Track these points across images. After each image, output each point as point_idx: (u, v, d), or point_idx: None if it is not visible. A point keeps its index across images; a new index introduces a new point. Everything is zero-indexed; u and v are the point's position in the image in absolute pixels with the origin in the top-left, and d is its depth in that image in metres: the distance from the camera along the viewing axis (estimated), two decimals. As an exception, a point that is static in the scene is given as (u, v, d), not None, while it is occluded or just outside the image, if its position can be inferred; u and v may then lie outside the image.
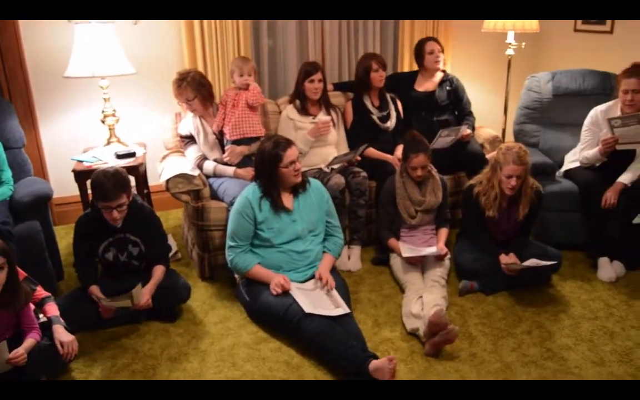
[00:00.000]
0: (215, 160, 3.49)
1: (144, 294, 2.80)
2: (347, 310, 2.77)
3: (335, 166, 3.59)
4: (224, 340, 2.88)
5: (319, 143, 3.67)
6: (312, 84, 3.64)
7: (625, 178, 3.45)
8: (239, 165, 3.46)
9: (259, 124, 3.53)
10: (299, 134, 3.63)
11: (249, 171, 3.38)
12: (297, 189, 3.06)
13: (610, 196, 3.40)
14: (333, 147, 3.75)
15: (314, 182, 3.16)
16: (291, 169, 2.93)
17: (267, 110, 3.91)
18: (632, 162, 3.52)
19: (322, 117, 3.69)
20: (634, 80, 3.42)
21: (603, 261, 3.46)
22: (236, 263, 2.98)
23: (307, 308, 2.68)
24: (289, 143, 2.97)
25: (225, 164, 3.47)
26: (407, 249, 3.25)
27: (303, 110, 3.71)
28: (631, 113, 3.42)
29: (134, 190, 2.96)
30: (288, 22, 4.44)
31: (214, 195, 3.41)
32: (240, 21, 4.12)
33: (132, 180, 3.60)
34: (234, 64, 3.53)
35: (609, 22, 4.49)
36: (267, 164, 2.94)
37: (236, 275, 3.12)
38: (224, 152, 3.48)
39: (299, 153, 3.56)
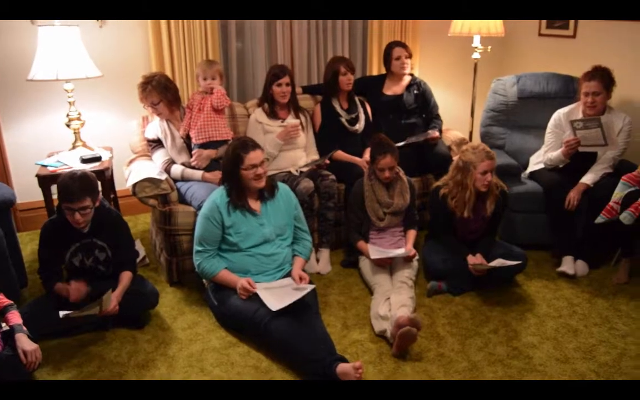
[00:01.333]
0: (183, 164, 3.46)
1: (111, 301, 2.76)
2: (312, 286, 2.88)
3: (305, 169, 3.60)
4: (192, 346, 2.85)
5: (288, 146, 3.67)
6: (280, 88, 3.64)
7: (587, 179, 3.54)
8: (207, 169, 3.44)
9: (226, 127, 3.51)
10: (268, 138, 3.63)
11: (216, 174, 3.36)
12: (264, 194, 3.04)
13: (573, 196, 3.48)
14: (302, 150, 3.76)
15: (283, 187, 3.15)
16: (251, 173, 2.90)
17: (236, 113, 3.89)
18: (594, 163, 3.61)
19: (291, 120, 3.69)
20: (594, 83, 3.51)
21: (566, 260, 3.53)
22: (203, 268, 2.96)
23: (274, 306, 2.68)
24: (254, 146, 2.94)
25: (193, 167, 3.44)
26: (375, 251, 3.27)
27: (272, 114, 3.70)
28: (592, 115, 3.51)
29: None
30: (256, 25, 4.43)
31: (182, 199, 3.38)
32: (208, 23, 4.10)
33: (98, 185, 3.56)
34: (199, 68, 3.52)
35: (572, 26, 4.59)
36: (230, 165, 2.94)
37: (204, 280, 3.10)
38: (191, 155, 3.45)
39: (267, 158, 3.58)
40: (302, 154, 3.75)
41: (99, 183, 3.50)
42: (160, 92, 3.38)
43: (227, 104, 3.49)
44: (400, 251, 3.26)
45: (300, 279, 2.94)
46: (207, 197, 3.11)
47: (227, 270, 2.96)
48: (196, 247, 2.99)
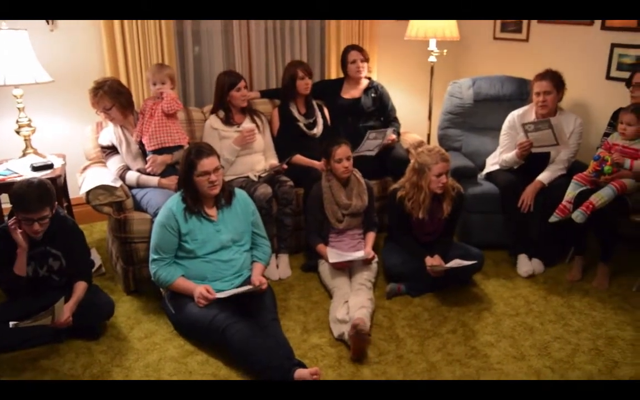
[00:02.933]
0: (138, 170, 3.40)
1: (64, 312, 2.68)
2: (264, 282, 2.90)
3: (263, 175, 3.58)
4: (149, 356, 2.80)
5: (245, 151, 3.64)
6: (239, 92, 3.62)
7: (543, 177, 3.61)
8: (163, 174, 3.38)
9: (179, 132, 3.45)
10: (225, 144, 3.59)
11: (173, 180, 3.31)
12: (220, 201, 2.99)
13: (527, 195, 3.55)
14: (260, 154, 3.73)
15: (240, 193, 3.11)
16: (204, 180, 2.84)
17: (193, 118, 3.85)
18: (548, 164, 3.69)
19: (247, 125, 3.67)
20: (545, 83, 3.60)
21: (522, 258, 3.61)
22: (159, 276, 2.91)
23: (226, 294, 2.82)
24: (208, 153, 2.88)
25: (149, 174, 3.38)
26: (334, 254, 3.27)
27: (227, 120, 3.66)
28: (544, 114, 3.60)
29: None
30: (213, 29, 4.38)
31: (138, 207, 3.32)
32: (164, 27, 4.03)
33: (50, 193, 3.47)
34: (149, 72, 3.47)
35: (525, 30, 4.70)
36: (184, 172, 2.89)
37: (162, 289, 3.04)
38: (147, 162, 3.39)
39: (222, 166, 3.54)
40: (260, 158, 3.73)
41: (51, 191, 3.45)
42: (112, 97, 3.31)
43: (178, 108, 3.43)
44: (359, 254, 3.27)
45: (257, 283, 2.90)
46: (163, 203, 3.06)
47: (184, 277, 2.91)
48: (152, 256, 2.93)
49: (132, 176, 3.38)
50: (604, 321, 3.09)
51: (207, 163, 2.85)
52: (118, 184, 3.24)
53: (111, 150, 3.47)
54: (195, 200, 2.91)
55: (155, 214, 3.11)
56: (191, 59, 4.38)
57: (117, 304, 3.15)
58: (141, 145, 3.42)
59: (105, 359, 2.77)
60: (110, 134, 3.44)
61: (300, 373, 2.45)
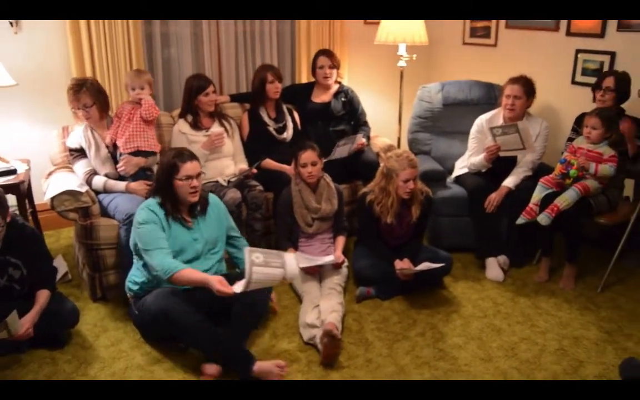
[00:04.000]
0: (106, 175, 3.35)
1: (23, 323, 2.60)
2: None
3: (233, 180, 3.56)
4: (115, 364, 2.75)
5: (214, 155, 3.61)
6: (207, 97, 3.60)
7: (509, 182, 3.66)
8: (133, 178, 3.33)
9: (154, 139, 3.42)
10: (193, 148, 3.51)
11: (141, 184, 3.27)
12: (195, 209, 2.90)
13: (494, 198, 3.59)
14: (229, 159, 3.71)
15: (212, 199, 3.04)
16: (186, 184, 2.76)
17: (162, 123, 3.80)
18: (515, 167, 3.74)
19: (216, 129, 3.64)
20: (517, 87, 3.65)
21: (490, 261, 3.65)
22: (165, 266, 2.64)
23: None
24: (191, 157, 2.82)
25: (117, 179, 3.33)
26: (303, 259, 3.26)
27: (195, 125, 3.63)
28: (511, 118, 3.65)
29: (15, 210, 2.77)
30: (182, 32, 4.34)
31: (105, 212, 3.26)
32: (132, 30, 3.97)
33: (13, 199, 3.40)
34: (128, 77, 3.44)
35: (493, 36, 4.76)
36: (165, 173, 2.79)
37: (130, 293, 2.93)
38: (116, 167, 3.33)
39: (203, 172, 3.51)
40: (229, 163, 3.70)
41: (14, 197, 3.38)
42: (94, 94, 3.28)
43: (156, 114, 3.40)
44: (328, 258, 3.27)
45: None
46: (131, 209, 3.02)
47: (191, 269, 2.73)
48: (148, 256, 2.69)
49: (99, 181, 3.32)
50: (569, 321, 3.14)
51: (190, 167, 2.78)
52: (84, 189, 3.18)
53: (79, 153, 3.41)
54: (174, 206, 2.82)
55: (124, 220, 3.06)
56: (160, 62, 4.34)
57: (83, 311, 3.10)
58: (111, 149, 3.37)
59: (70, 368, 2.71)
60: (79, 136, 3.38)
61: (261, 365, 2.54)
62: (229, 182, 3.56)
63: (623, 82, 3.49)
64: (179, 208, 2.84)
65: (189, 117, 3.65)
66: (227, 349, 2.63)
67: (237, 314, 2.77)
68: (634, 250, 3.74)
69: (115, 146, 3.35)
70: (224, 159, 3.67)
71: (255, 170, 3.63)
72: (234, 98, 4.15)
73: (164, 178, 2.80)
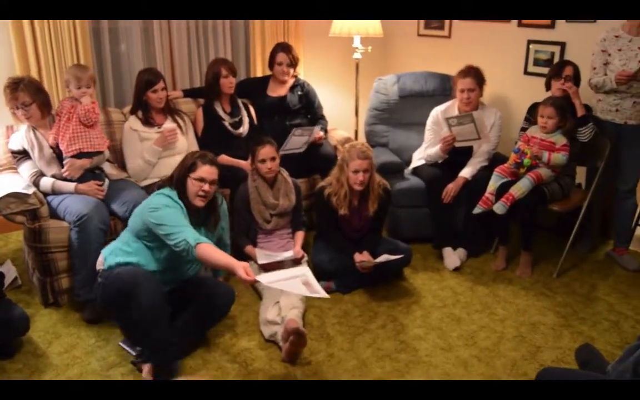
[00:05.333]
0: (53, 176, 3.21)
1: None
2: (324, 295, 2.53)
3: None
4: (69, 371, 2.65)
5: (167, 153, 3.51)
6: (155, 94, 3.48)
7: (466, 172, 3.69)
8: (81, 179, 3.21)
9: (100, 137, 3.27)
10: (145, 145, 3.45)
11: (91, 185, 3.15)
12: (199, 217, 2.77)
13: (451, 188, 3.62)
14: (184, 155, 3.60)
15: (223, 211, 2.97)
16: (197, 186, 2.68)
17: (112, 120, 3.68)
18: (471, 157, 3.78)
19: (168, 125, 3.55)
20: (469, 80, 3.68)
21: (447, 251, 3.68)
22: (196, 239, 2.51)
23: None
24: (212, 162, 2.75)
25: (65, 179, 3.20)
26: (262, 255, 3.21)
27: (147, 121, 3.53)
28: (467, 110, 3.67)
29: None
30: (132, 26, 4.21)
31: (54, 214, 3.13)
32: (78, 25, 3.83)
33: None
34: (70, 73, 3.25)
35: (447, 27, 4.80)
36: (182, 168, 2.73)
37: (101, 267, 2.73)
38: (63, 166, 3.21)
39: (147, 164, 3.42)
40: (184, 160, 3.61)
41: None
42: (32, 92, 3.12)
43: (96, 118, 3.24)
44: (288, 254, 3.23)
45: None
46: (82, 210, 2.92)
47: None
48: (176, 234, 2.53)
49: (46, 182, 3.18)
50: (527, 308, 3.19)
51: (206, 170, 2.71)
52: (31, 191, 3.04)
53: (23, 155, 3.25)
54: (188, 204, 2.72)
55: (75, 223, 2.95)
56: (109, 57, 4.19)
57: (34, 318, 2.99)
58: (56, 149, 3.23)
59: (20, 377, 2.60)
60: (22, 137, 3.23)
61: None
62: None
63: (578, 71, 3.56)
64: (189, 208, 2.73)
65: (140, 113, 3.54)
66: (164, 347, 2.54)
67: (198, 310, 2.73)
68: (586, 236, 3.83)
69: (59, 146, 3.22)
70: (178, 156, 3.53)
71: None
72: (188, 93, 4.05)
73: (180, 173, 2.74)
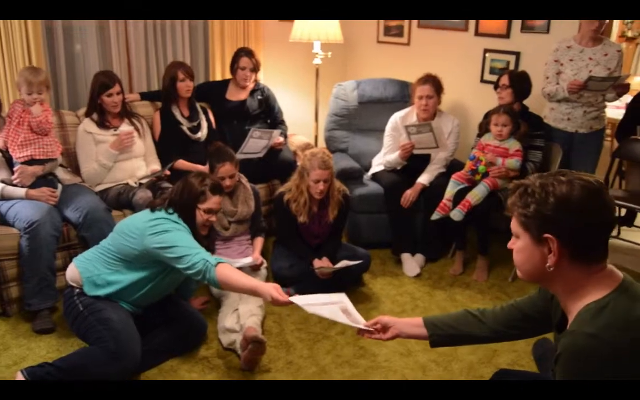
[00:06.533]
0: (2, 181, 3.09)
1: None
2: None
3: (144, 181, 3.41)
4: (18, 384, 2.56)
5: (124, 156, 3.43)
6: (110, 98, 3.39)
7: (423, 179, 3.74)
8: (32, 185, 3.10)
9: (52, 144, 3.16)
10: (101, 148, 3.37)
11: (43, 191, 3.05)
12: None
13: (409, 194, 3.67)
14: (140, 159, 3.54)
15: None
16: (205, 217, 2.62)
17: (66, 122, 3.57)
18: (429, 163, 3.82)
19: (125, 128, 3.47)
20: (427, 87, 3.73)
21: (406, 257, 3.72)
22: (209, 262, 2.36)
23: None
24: (221, 191, 2.69)
25: (16, 185, 3.09)
26: None
27: (102, 124, 3.44)
28: (425, 117, 3.73)
29: None
30: (87, 26, 4.10)
31: (3, 221, 3.02)
32: (29, 24, 3.70)
33: None
34: (21, 77, 3.10)
35: (406, 34, 4.85)
36: (190, 197, 2.60)
37: (71, 279, 2.61)
38: (12, 172, 3.09)
39: (103, 168, 3.33)
40: (140, 164, 3.54)
41: None
42: None
43: (50, 127, 3.13)
44: (246, 260, 3.20)
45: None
46: (34, 216, 2.83)
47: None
48: (185, 256, 2.38)
49: (-5, 188, 3.07)
50: (483, 312, 3.24)
51: (215, 201, 2.64)
52: (-22, 196, 2.93)
53: (-31, 160, 3.14)
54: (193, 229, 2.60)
55: (25, 229, 2.85)
56: (63, 58, 4.07)
57: (-20, 329, 2.87)
58: (5, 153, 3.12)
59: (-36, 391, 2.49)
60: (-31, 141, 3.11)
61: None
62: (140, 184, 3.41)
63: (518, 79, 3.64)
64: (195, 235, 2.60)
65: (95, 116, 3.44)
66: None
67: (169, 344, 2.69)
68: (540, 241, 3.92)
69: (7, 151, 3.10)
70: (134, 160, 3.50)
71: (168, 172, 3.49)
72: (145, 96, 3.98)
73: (187, 201, 2.60)
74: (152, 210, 2.60)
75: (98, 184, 3.40)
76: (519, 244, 1.50)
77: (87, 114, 3.48)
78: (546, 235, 1.41)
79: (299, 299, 2.15)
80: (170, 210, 2.58)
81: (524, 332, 1.83)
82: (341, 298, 2.30)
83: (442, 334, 1.87)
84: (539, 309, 1.77)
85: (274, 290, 2.23)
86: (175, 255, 2.39)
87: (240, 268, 3.13)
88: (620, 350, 1.30)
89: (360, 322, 2.07)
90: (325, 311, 2.15)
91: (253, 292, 2.31)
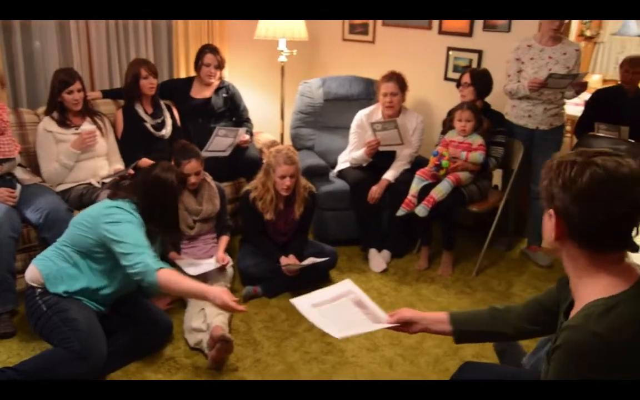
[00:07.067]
0: (-42, 183, 3.00)
1: None
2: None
3: (107, 181, 3.35)
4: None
5: (86, 155, 3.36)
6: (71, 95, 3.31)
7: (389, 175, 3.78)
8: (-11, 184, 3.02)
9: (10, 143, 3.06)
10: (62, 148, 3.29)
11: (2, 192, 2.96)
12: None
13: (375, 190, 3.70)
14: (103, 159, 3.48)
15: None
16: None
17: (24, 121, 3.48)
18: (394, 160, 3.86)
19: (87, 126, 3.40)
20: (391, 85, 3.77)
21: (372, 253, 3.75)
22: (149, 266, 2.35)
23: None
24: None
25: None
26: (187, 265, 3.12)
27: (63, 122, 3.36)
28: (390, 114, 3.76)
29: None
30: (46, 23, 3.98)
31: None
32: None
33: None
34: None
35: (371, 32, 4.88)
36: (163, 192, 2.59)
37: (30, 280, 2.53)
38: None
39: (64, 168, 3.27)
40: (103, 163, 3.47)
41: None
42: None
43: (5, 126, 3.05)
44: (210, 263, 3.15)
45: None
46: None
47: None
48: (134, 255, 2.38)
49: (-50, 189, 2.97)
50: (448, 305, 3.30)
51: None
52: None
53: None
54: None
55: None
56: (21, 55, 3.96)
57: None
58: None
59: None
60: None
61: None
62: (102, 183, 3.35)
63: (479, 77, 3.71)
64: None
65: (56, 114, 3.36)
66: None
67: (130, 344, 2.64)
68: (503, 235, 4.01)
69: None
70: (97, 159, 3.43)
71: (132, 172, 3.43)
72: (107, 94, 3.90)
73: (160, 196, 2.60)
74: (111, 198, 2.60)
75: (59, 184, 3.33)
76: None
77: (47, 113, 3.40)
78: (550, 210, 1.41)
79: (299, 303, 1.98)
80: (132, 201, 2.56)
81: (547, 327, 1.78)
82: (349, 287, 2.09)
83: (466, 331, 1.84)
84: (558, 302, 1.76)
85: (224, 294, 2.25)
86: (121, 250, 2.39)
87: (206, 272, 3.12)
88: (619, 352, 1.29)
89: (382, 318, 1.90)
90: (335, 318, 1.89)
91: (201, 296, 2.35)
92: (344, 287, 2.06)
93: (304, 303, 1.94)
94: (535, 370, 2.08)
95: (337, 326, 1.86)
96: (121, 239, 2.40)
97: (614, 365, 1.29)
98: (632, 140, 3.78)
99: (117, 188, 3.13)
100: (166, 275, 2.34)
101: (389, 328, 1.90)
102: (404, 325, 1.89)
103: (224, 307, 2.27)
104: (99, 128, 3.47)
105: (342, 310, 1.92)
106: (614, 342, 1.28)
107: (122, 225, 2.44)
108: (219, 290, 2.30)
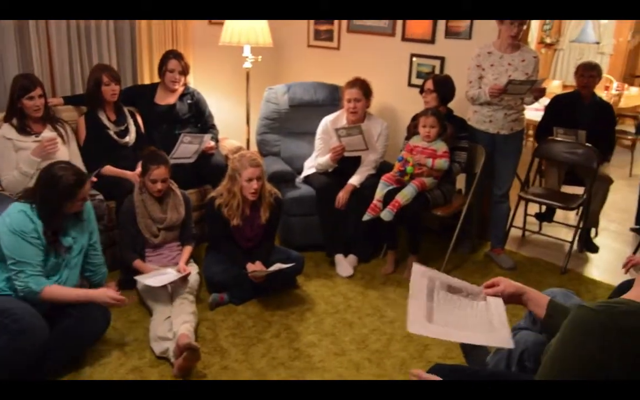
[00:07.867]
0: None
1: None
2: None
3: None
4: None
5: (47, 163, 3.28)
6: (32, 101, 3.24)
7: (354, 180, 3.81)
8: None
9: None
10: (22, 155, 3.22)
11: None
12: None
13: (342, 196, 3.72)
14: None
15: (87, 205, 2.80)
16: (80, 203, 2.65)
17: (-18, 129, 3.39)
18: (360, 166, 3.90)
19: (48, 134, 3.34)
20: (355, 91, 3.80)
21: (339, 258, 3.77)
22: (30, 286, 2.47)
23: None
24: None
25: None
26: (149, 277, 3.07)
27: (23, 129, 3.29)
28: (354, 120, 3.80)
29: None
30: (4, 25, 3.88)
31: None
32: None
33: None
34: None
35: (336, 39, 4.92)
36: (58, 194, 2.54)
37: None
38: None
39: (24, 176, 3.20)
40: (65, 171, 3.41)
41: None
42: None
43: None
44: (171, 274, 3.09)
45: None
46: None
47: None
48: (18, 269, 2.47)
49: None
50: (414, 309, 3.33)
51: (87, 188, 2.70)
52: None
53: None
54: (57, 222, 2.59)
55: None
56: (-23, 60, 3.86)
57: None
58: None
59: None
60: None
61: None
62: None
63: (441, 84, 3.78)
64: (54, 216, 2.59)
65: (15, 121, 3.29)
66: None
67: (66, 332, 2.57)
68: (467, 238, 4.08)
69: None
70: (58, 167, 3.37)
71: (95, 179, 3.37)
72: (68, 100, 3.83)
73: (55, 197, 2.55)
74: (20, 200, 2.61)
75: (19, 192, 3.25)
76: None
77: (7, 119, 3.31)
78: None
79: (420, 329, 1.68)
80: (32, 204, 2.55)
81: None
82: (423, 272, 1.90)
83: (553, 323, 1.75)
84: None
85: (107, 292, 2.60)
86: (10, 262, 2.47)
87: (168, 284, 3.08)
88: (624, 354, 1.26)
89: (477, 292, 1.95)
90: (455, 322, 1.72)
91: (89, 300, 2.59)
92: (422, 276, 1.87)
93: (420, 324, 1.67)
94: (497, 367, 2.15)
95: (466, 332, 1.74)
96: (8, 253, 2.48)
97: (612, 358, 1.26)
98: (589, 144, 3.90)
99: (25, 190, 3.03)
100: (49, 293, 2.52)
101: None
102: (510, 298, 1.93)
103: (110, 303, 2.58)
104: (60, 135, 3.40)
105: (448, 307, 1.77)
106: (624, 340, 1.25)
107: (11, 237, 2.47)
108: (103, 291, 2.61)
